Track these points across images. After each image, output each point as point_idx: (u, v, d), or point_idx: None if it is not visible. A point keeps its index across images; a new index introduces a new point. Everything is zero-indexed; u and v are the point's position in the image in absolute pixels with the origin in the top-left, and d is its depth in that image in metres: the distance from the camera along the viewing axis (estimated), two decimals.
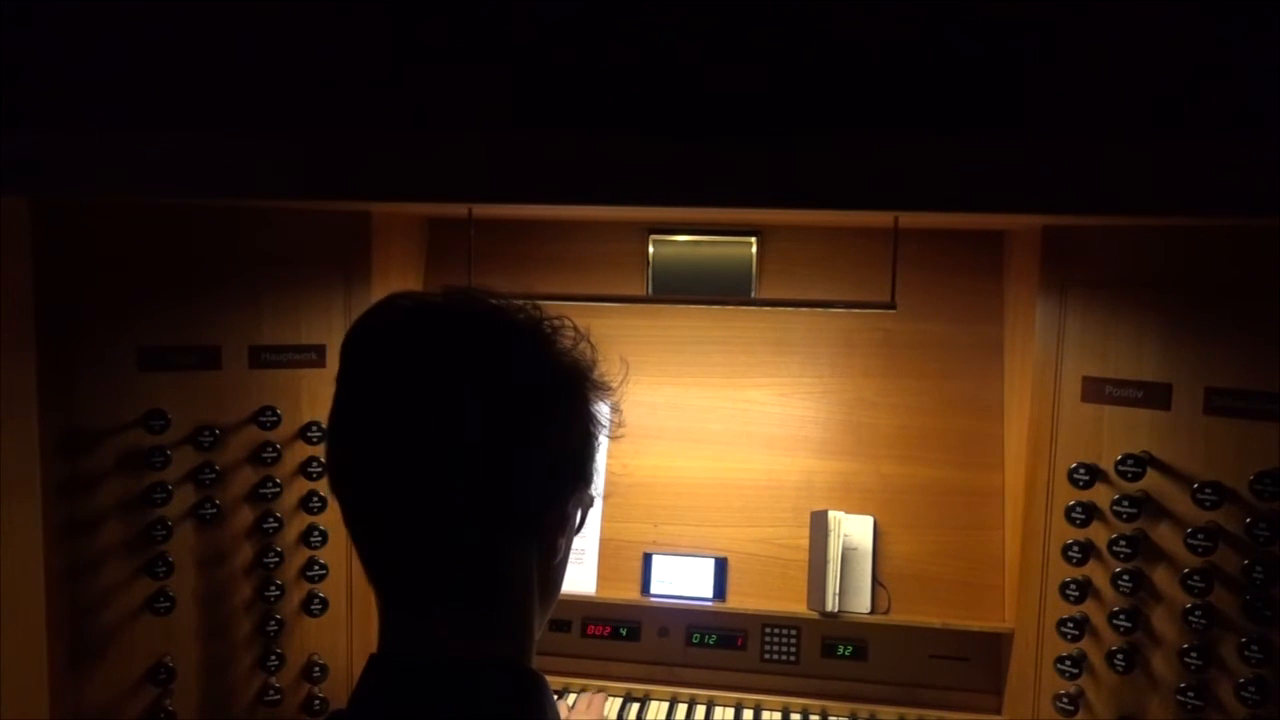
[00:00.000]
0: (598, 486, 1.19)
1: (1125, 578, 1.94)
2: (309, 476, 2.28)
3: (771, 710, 2.37)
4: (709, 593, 2.44)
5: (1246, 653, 1.77)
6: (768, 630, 2.44)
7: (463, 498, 0.99)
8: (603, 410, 1.13)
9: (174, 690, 2.13)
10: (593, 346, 1.11)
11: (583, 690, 2.44)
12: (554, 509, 1.07)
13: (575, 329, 1.10)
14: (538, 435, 1.03)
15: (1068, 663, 2.04)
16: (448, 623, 1.02)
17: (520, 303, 1.08)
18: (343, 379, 1.05)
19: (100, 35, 1.73)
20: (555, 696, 1.11)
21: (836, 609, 2.34)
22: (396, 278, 2.51)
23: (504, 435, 0.99)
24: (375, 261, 2.37)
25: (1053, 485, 2.11)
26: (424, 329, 1.03)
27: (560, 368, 1.06)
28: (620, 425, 1.17)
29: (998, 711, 2.32)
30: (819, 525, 2.37)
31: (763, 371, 2.54)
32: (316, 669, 2.29)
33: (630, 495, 2.50)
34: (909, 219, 2.23)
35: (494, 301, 1.07)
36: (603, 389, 1.12)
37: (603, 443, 1.15)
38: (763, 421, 2.52)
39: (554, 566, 1.11)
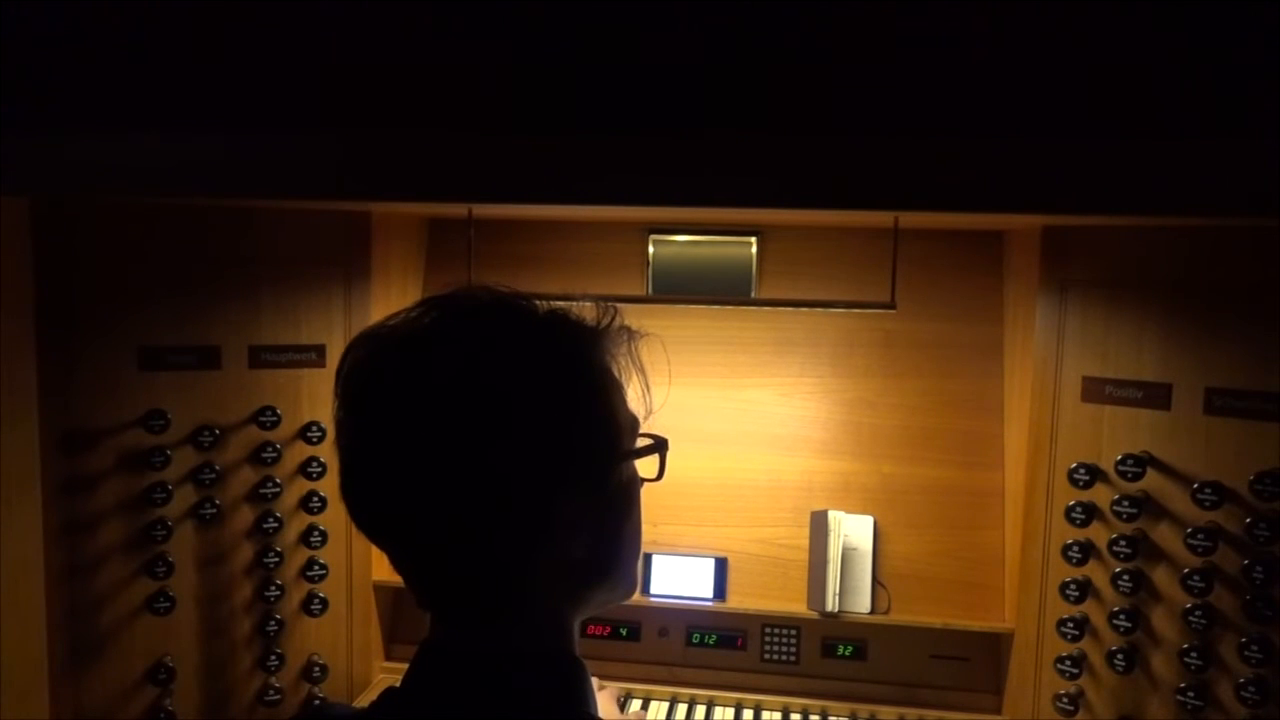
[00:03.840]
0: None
1: (1125, 578, 1.94)
2: (309, 476, 2.28)
3: (771, 710, 2.37)
4: (709, 593, 2.44)
5: (1246, 653, 1.77)
6: (768, 630, 2.44)
7: (468, 532, 1.00)
8: (621, 409, 1.16)
9: (174, 690, 2.13)
10: (631, 331, 1.15)
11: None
12: (554, 512, 1.04)
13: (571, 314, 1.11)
14: (527, 448, 1.01)
15: (1068, 663, 2.04)
16: (480, 624, 1.07)
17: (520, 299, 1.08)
18: (346, 411, 1.05)
19: (99, 35, 1.72)
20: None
21: (836, 609, 2.34)
22: (396, 277, 2.51)
23: (498, 457, 0.99)
24: (375, 261, 2.37)
25: (1053, 485, 2.11)
26: (406, 354, 1.03)
27: (545, 371, 1.05)
28: (650, 413, 1.21)
29: (998, 711, 2.31)
30: (819, 525, 2.37)
31: (763, 371, 2.53)
32: (316, 669, 2.29)
33: None
34: (909, 219, 2.23)
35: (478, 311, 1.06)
36: (617, 387, 1.13)
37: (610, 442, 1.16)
38: (763, 421, 2.51)
39: (567, 561, 1.07)
